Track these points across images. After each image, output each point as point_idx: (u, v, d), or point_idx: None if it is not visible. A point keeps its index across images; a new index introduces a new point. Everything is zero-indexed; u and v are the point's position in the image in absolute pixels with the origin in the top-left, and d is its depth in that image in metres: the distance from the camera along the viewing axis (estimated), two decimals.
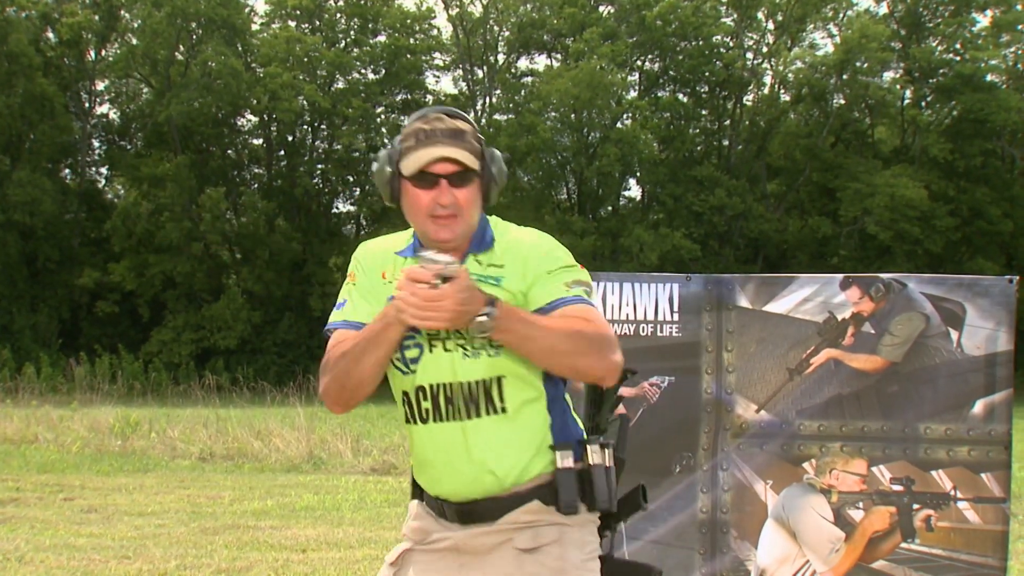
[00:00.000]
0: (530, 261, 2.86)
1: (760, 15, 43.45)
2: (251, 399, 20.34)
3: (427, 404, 2.87)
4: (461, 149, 2.80)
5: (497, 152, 2.92)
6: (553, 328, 2.74)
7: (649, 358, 4.72)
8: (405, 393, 2.90)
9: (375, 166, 2.92)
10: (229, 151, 43.73)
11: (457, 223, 2.83)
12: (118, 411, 17.85)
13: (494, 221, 2.97)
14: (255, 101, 40.53)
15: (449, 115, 2.87)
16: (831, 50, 42.33)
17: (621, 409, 3.28)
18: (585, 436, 2.93)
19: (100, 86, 42.78)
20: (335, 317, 2.94)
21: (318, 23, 43.32)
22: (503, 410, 2.83)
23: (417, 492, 3.03)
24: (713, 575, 4.71)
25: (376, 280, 2.95)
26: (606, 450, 2.88)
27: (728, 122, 44.20)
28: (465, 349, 2.82)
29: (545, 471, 2.86)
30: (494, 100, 44.20)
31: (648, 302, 4.75)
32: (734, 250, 40.81)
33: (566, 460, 2.84)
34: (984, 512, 4.58)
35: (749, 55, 43.71)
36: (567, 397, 2.96)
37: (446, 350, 2.84)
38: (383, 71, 43.16)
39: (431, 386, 2.86)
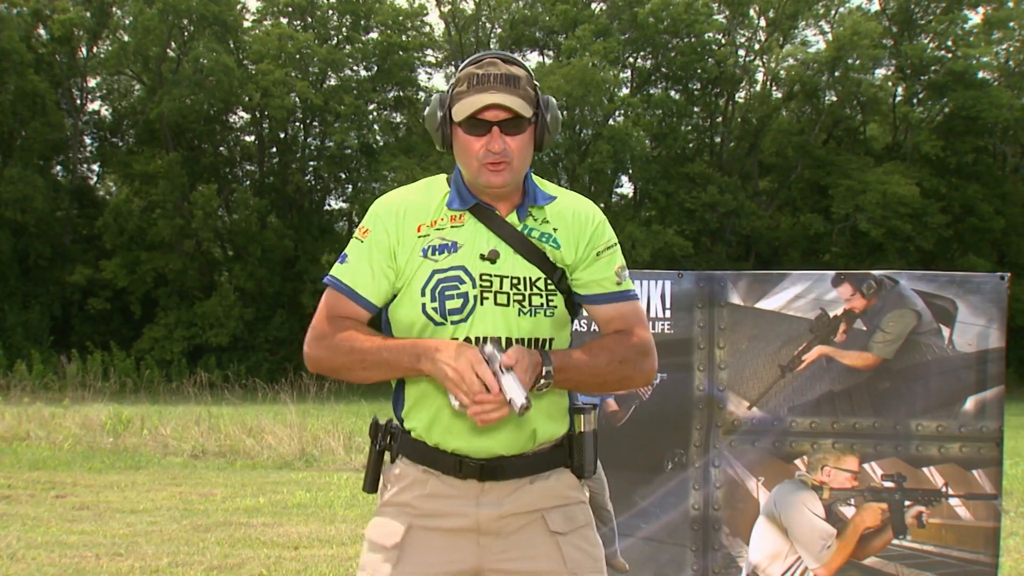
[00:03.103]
0: (582, 231, 2.85)
1: (752, 12, 43.47)
2: (243, 396, 20.31)
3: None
4: (514, 96, 2.74)
5: (552, 99, 2.86)
6: (601, 366, 2.78)
7: None
8: None
9: (427, 111, 2.86)
10: (221, 148, 43.68)
11: (508, 170, 2.76)
12: (110, 408, 17.83)
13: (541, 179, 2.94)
14: (247, 98, 40.47)
15: (504, 60, 2.80)
16: (823, 47, 42.42)
17: None
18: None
19: (92, 83, 42.77)
20: (337, 273, 2.86)
21: (310, 20, 43.27)
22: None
23: (408, 452, 2.90)
24: (705, 571, 4.72)
25: (407, 233, 2.85)
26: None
27: (720, 119, 44.24)
28: (522, 305, 2.78)
29: (561, 432, 2.88)
30: None
31: (640, 299, 4.75)
32: (726, 247, 40.84)
33: (588, 424, 2.86)
34: (975, 508, 4.59)
35: (741, 52, 43.75)
36: None
37: (497, 304, 2.77)
38: (375, 68, 43.13)
39: (477, 339, 2.76)
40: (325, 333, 2.79)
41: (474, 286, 2.77)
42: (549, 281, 2.80)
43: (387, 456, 2.97)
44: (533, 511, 2.83)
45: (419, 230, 2.82)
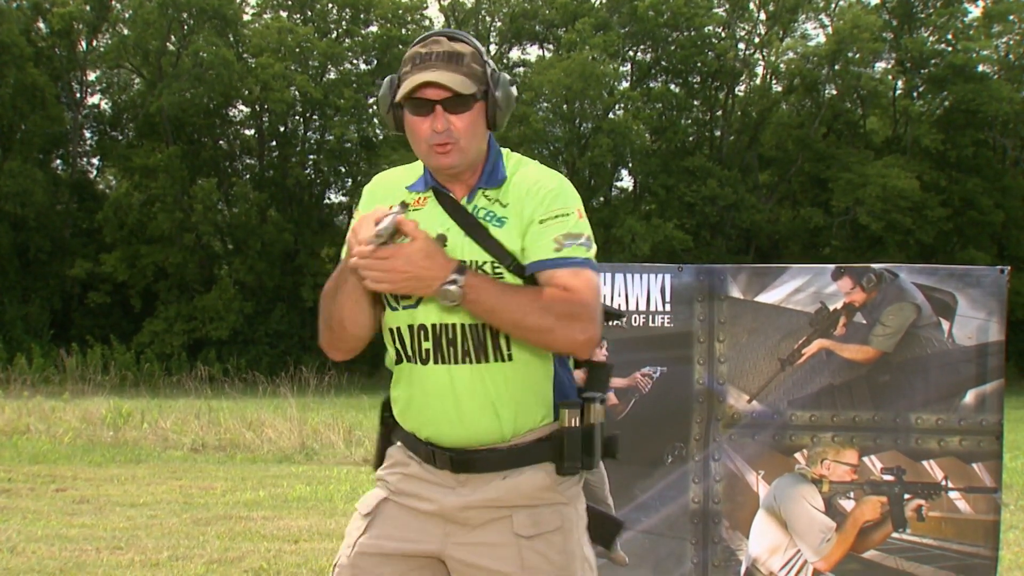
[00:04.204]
0: (527, 203, 2.72)
1: (752, 5, 43.46)
2: (243, 390, 20.34)
3: (428, 344, 2.74)
4: (455, 73, 2.68)
5: (505, 76, 2.79)
6: (522, 302, 2.61)
7: (641, 348, 4.73)
8: (396, 330, 2.78)
9: (379, 95, 2.82)
10: (221, 142, 43.65)
11: (455, 150, 2.70)
12: (110, 402, 17.84)
13: (508, 155, 2.84)
14: (247, 91, 40.44)
15: (450, 37, 2.75)
16: (823, 40, 42.40)
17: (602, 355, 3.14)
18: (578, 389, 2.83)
19: (91, 76, 42.74)
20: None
21: (309, 13, 43.24)
22: (509, 357, 2.72)
23: (399, 436, 2.90)
24: (705, 565, 4.72)
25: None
26: (603, 406, 2.80)
27: (720, 112, 44.21)
28: None
29: (543, 425, 2.77)
30: None
31: (640, 292, 4.75)
32: (726, 240, 40.83)
33: (573, 418, 2.73)
34: (975, 502, 4.59)
35: (741, 45, 43.75)
36: None
37: None
38: (375, 62, 43.11)
39: (433, 326, 2.73)
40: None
41: None
42: (497, 265, 2.71)
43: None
44: (502, 507, 2.77)
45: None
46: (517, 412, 2.75)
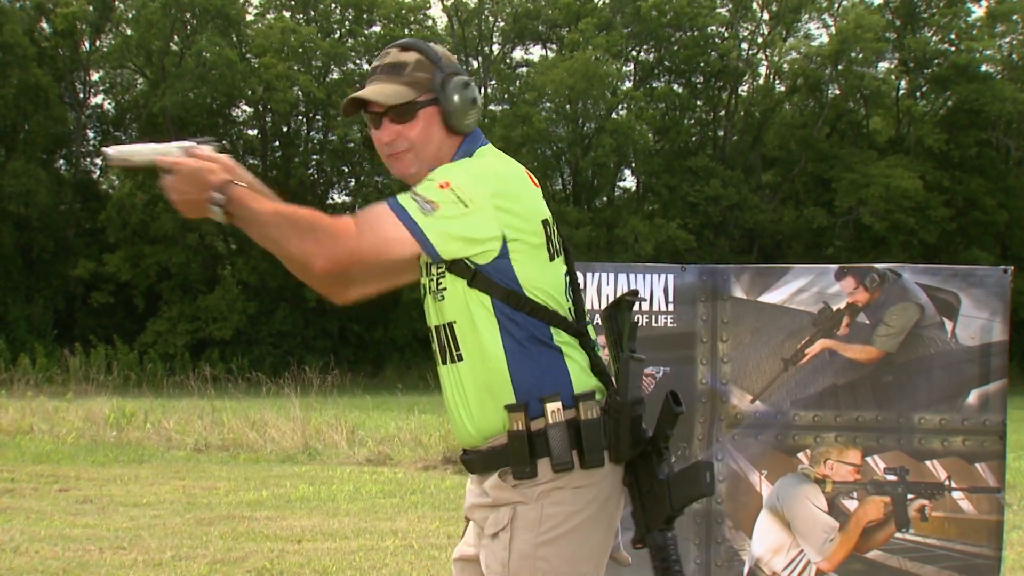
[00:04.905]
0: None
1: (755, 5, 43.47)
2: (246, 390, 20.31)
3: (435, 345, 2.82)
4: (392, 84, 2.74)
5: (460, 79, 2.80)
6: (273, 213, 2.65)
7: (644, 348, 4.71)
8: None
9: None
10: (224, 142, 43.47)
11: (406, 158, 2.78)
12: (113, 402, 17.85)
13: (480, 153, 2.86)
14: (250, 92, 40.48)
15: (402, 48, 2.81)
16: (826, 40, 42.41)
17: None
18: (575, 386, 2.73)
19: (95, 76, 42.76)
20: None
21: (312, 13, 43.28)
22: (459, 358, 2.74)
23: None
24: (708, 565, 4.72)
25: None
26: (581, 403, 2.69)
27: (723, 112, 44.22)
28: (433, 292, 2.76)
29: (505, 427, 2.74)
30: (489, 91, 44.18)
31: (643, 292, 4.74)
32: (729, 240, 40.82)
33: (516, 423, 2.67)
34: (979, 502, 4.58)
35: (744, 45, 43.74)
36: (564, 345, 2.77)
37: (425, 291, 2.80)
38: None
39: (430, 328, 2.82)
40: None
41: (421, 276, 2.84)
42: (438, 265, 2.73)
43: None
44: (483, 506, 2.82)
45: None
46: (477, 414, 2.76)
